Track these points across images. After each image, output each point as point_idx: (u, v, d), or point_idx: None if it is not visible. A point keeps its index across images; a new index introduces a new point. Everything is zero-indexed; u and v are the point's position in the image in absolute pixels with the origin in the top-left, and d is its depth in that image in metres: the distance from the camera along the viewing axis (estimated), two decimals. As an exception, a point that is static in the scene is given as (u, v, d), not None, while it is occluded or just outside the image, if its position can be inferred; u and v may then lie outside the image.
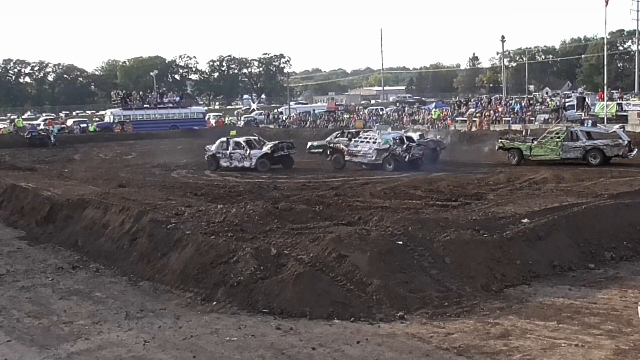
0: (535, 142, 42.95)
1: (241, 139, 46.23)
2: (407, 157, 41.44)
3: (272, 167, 44.49)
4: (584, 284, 17.31)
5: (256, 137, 47.30)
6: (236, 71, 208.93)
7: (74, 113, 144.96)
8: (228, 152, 45.72)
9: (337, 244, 17.58)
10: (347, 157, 43.85)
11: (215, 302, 16.60)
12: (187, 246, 19.38)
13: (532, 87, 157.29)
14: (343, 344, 13.57)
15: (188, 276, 18.23)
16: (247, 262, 17.28)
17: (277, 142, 46.45)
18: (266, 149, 44.79)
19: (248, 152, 44.85)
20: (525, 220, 20.38)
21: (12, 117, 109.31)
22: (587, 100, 73.34)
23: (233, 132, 49.75)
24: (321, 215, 22.51)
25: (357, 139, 44.55)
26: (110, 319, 16.03)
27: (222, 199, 29.42)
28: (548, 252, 19.11)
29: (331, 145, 45.31)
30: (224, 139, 46.98)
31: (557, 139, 41.98)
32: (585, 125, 46.47)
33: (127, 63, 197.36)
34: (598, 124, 49.73)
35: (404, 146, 41.88)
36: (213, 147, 46.81)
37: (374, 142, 42.76)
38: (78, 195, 27.86)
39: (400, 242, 17.99)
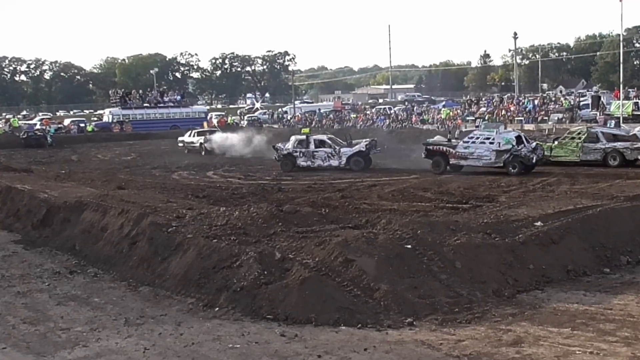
0: (556, 143, 42.57)
1: (325, 137, 46.16)
2: (534, 158, 39.02)
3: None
4: (599, 289, 17.30)
5: (332, 136, 47.18)
6: (239, 69, 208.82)
7: (72, 112, 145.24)
8: (310, 150, 45.12)
9: (343, 247, 17.59)
10: (453, 160, 40.76)
11: (217, 308, 16.62)
12: (188, 250, 19.41)
13: (545, 85, 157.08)
14: (350, 351, 13.57)
15: (189, 281, 18.26)
16: (250, 266, 17.30)
17: (369, 139, 46.04)
18: (360, 146, 44.41)
19: (338, 150, 44.48)
20: (539, 223, 20.39)
21: (7, 116, 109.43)
22: (602, 99, 73.25)
23: (306, 130, 49.11)
24: (327, 218, 22.50)
25: (466, 139, 41.35)
26: (109, 325, 16.05)
27: (224, 202, 29.47)
28: (562, 256, 19.11)
29: (430, 146, 42.18)
30: (301, 136, 46.34)
31: (578, 140, 41.49)
32: (608, 125, 45.57)
33: (127, 61, 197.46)
34: (620, 125, 49.06)
35: (532, 145, 39.74)
36: (288, 145, 46.07)
37: (491, 143, 39.67)
38: (75, 198, 27.90)
39: (409, 246, 17.99)
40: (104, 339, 15.00)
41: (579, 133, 42.36)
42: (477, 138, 40.61)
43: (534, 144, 40.14)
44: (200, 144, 63.88)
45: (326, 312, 15.41)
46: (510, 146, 38.88)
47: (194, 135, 66.98)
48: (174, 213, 23.43)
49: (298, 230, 20.45)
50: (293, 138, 46.58)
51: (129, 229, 22.49)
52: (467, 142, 40.72)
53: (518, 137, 39.81)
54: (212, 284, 17.62)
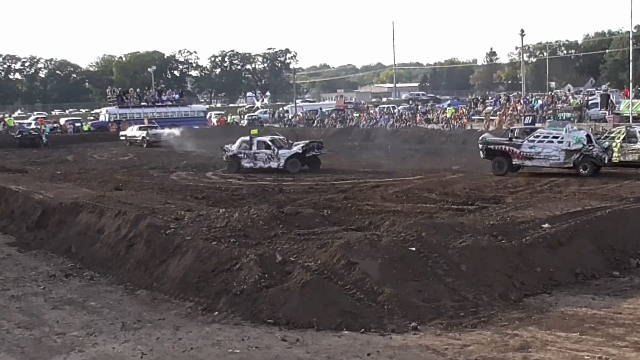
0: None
1: (266, 138, 46.10)
2: (606, 158, 37.69)
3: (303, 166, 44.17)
4: (608, 293, 17.31)
5: (281, 137, 47.35)
6: (239, 67, 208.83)
7: (67, 111, 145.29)
8: (252, 152, 45.27)
9: (346, 250, 17.60)
10: (516, 161, 39.21)
11: (216, 312, 16.63)
12: (187, 253, 19.43)
13: (553, 84, 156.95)
14: (353, 356, 13.59)
15: (188, 284, 18.27)
16: (250, 269, 17.31)
17: (308, 141, 46.17)
18: (297, 148, 44.45)
19: (276, 151, 44.54)
20: (546, 225, 20.38)
21: (1, 115, 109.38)
22: (611, 98, 73.10)
23: (254, 131, 49.15)
24: (329, 220, 22.51)
25: (532, 138, 39.37)
26: (105, 330, 16.07)
27: (224, 203, 29.50)
28: (570, 259, 19.11)
29: (491, 145, 40.53)
30: (246, 138, 46.47)
31: (617, 140, 40.34)
32: None
33: (124, 58, 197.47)
34: None
35: (605, 145, 38.28)
36: (233, 147, 46.38)
37: (560, 142, 38.05)
38: (71, 199, 27.92)
39: (413, 249, 17.99)
40: (101, 344, 15.01)
41: (619, 132, 41.36)
42: (545, 137, 39.06)
43: (606, 143, 38.89)
44: (142, 137, 75.10)
45: (328, 316, 15.42)
46: (581, 145, 37.66)
47: (136, 130, 78.03)
48: (172, 215, 23.45)
49: (299, 232, 20.45)
50: (239, 140, 46.80)
51: (126, 231, 22.51)
52: (533, 141, 39.08)
53: (588, 136, 38.63)
54: (211, 287, 17.64)
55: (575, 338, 13.89)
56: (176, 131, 76.56)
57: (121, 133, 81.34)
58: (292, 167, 43.66)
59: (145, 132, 75.88)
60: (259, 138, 46.01)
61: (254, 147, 45.26)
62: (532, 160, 38.86)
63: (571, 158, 37.57)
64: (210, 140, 66.63)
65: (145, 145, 73.18)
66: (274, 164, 44.32)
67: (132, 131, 78.69)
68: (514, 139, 39.97)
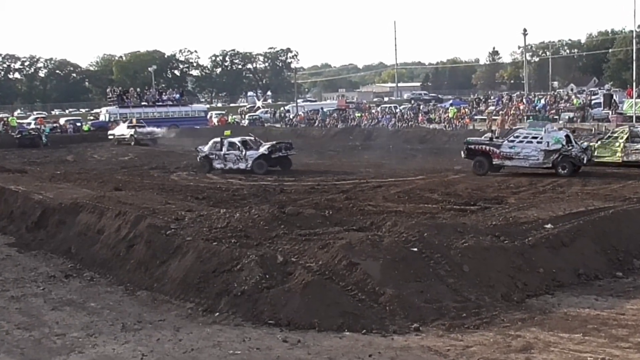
0: (599, 143, 41.65)
1: (236, 139, 46.19)
2: (585, 158, 38.13)
3: (270, 169, 44.30)
4: (611, 294, 17.30)
5: (252, 138, 47.36)
6: (240, 66, 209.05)
7: (67, 111, 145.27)
8: (222, 153, 45.67)
9: (347, 250, 17.60)
10: (496, 161, 39.65)
11: (217, 313, 16.64)
12: (187, 253, 19.43)
13: (556, 83, 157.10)
14: (354, 357, 13.59)
15: (189, 285, 18.27)
16: (251, 270, 17.31)
17: (274, 142, 46.37)
18: (263, 149, 44.64)
19: (244, 153, 44.77)
20: (549, 225, 20.38)
21: (2, 115, 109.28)
22: (614, 97, 73.11)
23: (227, 132, 49.42)
24: (331, 221, 22.53)
25: (512, 138, 40.21)
26: (105, 331, 16.06)
27: (225, 203, 29.51)
28: (573, 259, 19.11)
29: (472, 145, 41.09)
30: (218, 139, 46.88)
31: (621, 140, 40.55)
32: None
33: (124, 58, 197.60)
34: None
35: (583, 145, 38.87)
36: (206, 148, 46.90)
37: (539, 142, 38.58)
38: (71, 199, 27.92)
39: (415, 249, 17.99)
40: (101, 345, 15.01)
41: (622, 132, 41.51)
42: (525, 137, 39.54)
43: (585, 144, 39.43)
44: (130, 135, 76.74)
45: (330, 317, 15.42)
46: (560, 146, 38.09)
47: (124, 129, 79.65)
48: (173, 215, 23.45)
49: (301, 233, 20.44)
50: (211, 141, 47.17)
51: (127, 231, 22.51)
52: (513, 141, 39.64)
53: (567, 137, 39.03)
54: (212, 288, 17.64)
55: (578, 339, 13.89)
56: (163, 130, 78.83)
57: (109, 132, 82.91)
58: (258, 168, 43.94)
59: (132, 130, 77.59)
60: (229, 139, 46.31)
61: (224, 149, 45.62)
62: (511, 160, 39.34)
63: (550, 158, 38.09)
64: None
65: (133, 144, 74.82)
66: (242, 165, 44.63)
67: (120, 130, 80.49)
68: (494, 139, 40.53)
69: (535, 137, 38.86)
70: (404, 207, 27.57)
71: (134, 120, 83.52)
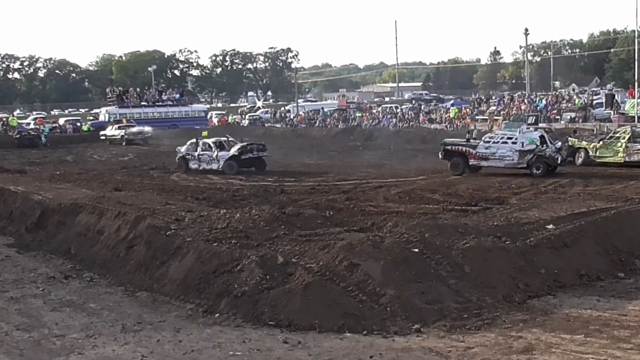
0: (601, 143, 41.75)
1: (210, 140, 46.80)
2: (559, 158, 38.57)
3: (244, 169, 44.76)
4: (613, 295, 17.30)
5: (227, 139, 47.68)
6: (240, 66, 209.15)
7: (67, 111, 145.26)
8: (197, 153, 46.28)
9: (348, 251, 17.60)
10: (472, 161, 40.06)
11: (217, 314, 16.64)
12: (187, 254, 19.43)
13: (557, 83, 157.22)
14: (355, 358, 13.59)
15: (189, 286, 18.28)
16: (252, 271, 17.31)
17: (245, 143, 46.56)
18: (233, 151, 45.20)
19: (216, 154, 45.38)
20: (551, 226, 20.37)
21: (2, 115, 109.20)
22: (616, 97, 73.00)
23: (205, 133, 50.16)
24: (331, 221, 22.53)
25: (487, 138, 40.71)
26: (105, 332, 16.06)
27: (225, 204, 29.51)
28: (575, 260, 19.10)
29: (448, 146, 41.60)
30: (194, 140, 47.45)
31: (623, 140, 40.64)
32: None
33: (124, 58, 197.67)
34: None
35: (557, 145, 39.04)
36: (183, 149, 47.61)
37: (514, 142, 38.99)
38: (71, 200, 27.95)
39: (416, 250, 17.99)
40: (100, 346, 15.01)
41: (624, 132, 41.61)
42: (500, 138, 39.96)
43: (559, 143, 39.62)
44: (121, 136, 78.19)
45: (330, 318, 15.42)
46: (534, 146, 38.43)
47: (115, 129, 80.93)
48: (173, 215, 23.47)
49: (301, 234, 20.45)
50: (189, 142, 47.79)
51: (126, 232, 22.53)
52: (489, 142, 40.11)
53: (542, 137, 39.12)
54: (212, 289, 17.64)
55: (580, 340, 13.88)
56: (150, 129, 79.91)
57: (101, 132, 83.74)
58: (228, 169, 44.41)
59: (123, 131, 78.98)
60: (204, 140, 46.94)
61: (199, 149, 46.20)
62: (487, 160, 39.82)
63: (525, 158, 38.45)
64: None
65: (124, 144, 76.11)
66: (214, 166, 45.21)
67: (111, 130, 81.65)
68: (472, 140, 41.02)
69: (510, 138, 39.33)
70: (405, 208, 27.57)
71: (124, 120, 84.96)
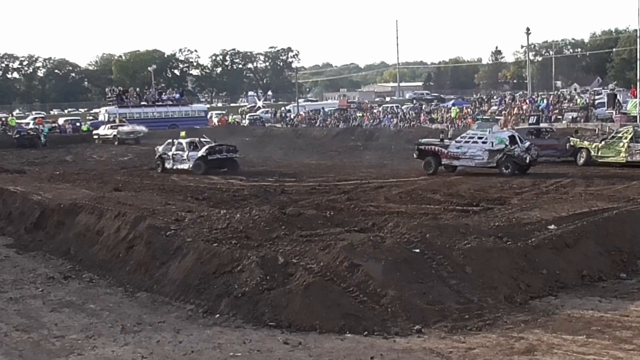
0: (603, 143, 41.86)
1: (184, 140, 47.65)
2: (528, 158, 39.22)
3: (217, 170, 45.43)
4: (615, 295, 17.28)
5: (199, 139, 48.63)
6: (240, 66, 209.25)
7: (66, 111, 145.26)
8: (171, 153, 47.27)
9: (349, 252, 17.59)
10: (445, 161, 41.21)
11: (218, 315, 16.63)
12: (187, 254, 19.43)
13: (559, 83, 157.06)
14: (356, 359, 13.58)
15: (189, 287, 18.27)
16: (252, 271, 17.30)
17: (214, 144, 47.34)
18: (202, 151, 45.89)
19: (187, 154, 46.23)
20: (552, 226, 20.36)
21: (1, 115, 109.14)
22: (618, 97, 72.93)
23: (182, 134, 51.33)
24: (332, 221, 22.52)
25: (459, 139, 41.97)
26: (105, 332, 16.06)
27: (225, 204, 29.50)
28: (576, 260, 19.09)
29: (422, 146, 42.89)
30: (171, 140, 48.66)
31: (625, 140, 40.73)
32: None
33: (123, 57, 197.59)
34: None
35: (526, 145, 39.87)
36: (160, 148, 48.75)
37: (484, 142, 40.05)
38: (70, 200, 27.96)
39: (417, 250, 17.99)
40: (100, 347, 15.00)
41: (626, 132, 41.70)
42: (471, 138, 41.11)
43: (527, 143, 40.29)
44: (114, 135, 79.18)
45: (331, 319, 15.42)
46: (504, 146, 39.32)
47: (108, 128, 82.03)
48: (173, 216, 23.48)
49: (302, 234, 20.44)
50: (166, 141, 48.95)
51: (126, 232, 22.52)
52: (460, 141, 41.31)
53: (512, 137, 40.16)
54: (212, 289, 17.64)
55: (581, 341, 13.87)
56: (144, 128, 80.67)
57: (94, 132, 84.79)
58: (196, 169, 45.32)
59: (115, 130, 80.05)
60: (178, 140, 47.86)
61: (174, 149, 47.16)
62: (459, 160, 40.94)
63: (494, 158, 39.48)
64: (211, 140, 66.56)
65: (116, 143, 77.17)
66: (185, 166, 46.09)
67: (104, 130, 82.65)
68: (445, 140, 42.34)
69: (481, 138, 40.46)
70: (405, 208, 27.56)
71: (117, 120, 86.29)
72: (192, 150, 46.28)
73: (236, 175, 42.75)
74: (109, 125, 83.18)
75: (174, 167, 46.44)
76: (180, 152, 46.63)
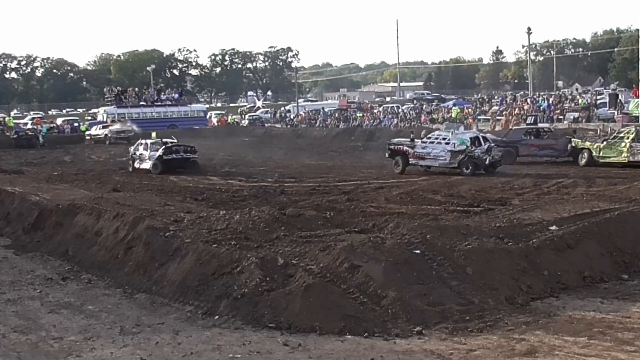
0: (605, 143, 41.93)
1: (149, 141, 49.08)
2: (487, 159, 40.31)
3: (177, 170, 46.19)
4: (617, 297, 17.27)
5: (161, 139, 49.87)
6: (240, 66, 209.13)
7: (64, 111, 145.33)
8: (138, 153, 48.68)
9: (349, 253, 17.58)
10: (412, 160, 42.54)
11: (217, 316, 16.61)
12: (186, 255, 19.41)
13: (560, 83, 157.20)
14: (356, 361, 13.58)
15: (188, 288, 18.25)
16: (251, 272, 17.29)
17: (170, 145, 48.52)
18: (159, 152, 47.03)
19: (148, 154, 47.46)
20: (554, 227, 20.35)
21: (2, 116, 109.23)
22: (620, 97, 73.02)
23: (153, 134, 53.11)
24: (332, 222, 22.51)
25: (424, 139, 43.34)
26: (103, 334, 16.03)
27: (224, 205, 29.48)
28: (578, 262, 19.07)
29: (392, 146, 44.52)
30: (141, 140, 50.63)
31: (627, 140, 40.78)
32: None
33: (122, 57, 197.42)
34: None
35: (485, 146, 40.76)
36: (131, 148, 50.48)
37: (447, 143, 41.26)
38: (69, 200, 27.94)
39: (418, 251, 17.98)
40: (99, 349, 14.98)
41: (628, 132, 41.79)
42: (436, 138, 42.49)
43: (487, 145, 41.06)
44: (105, 135, 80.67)
45: (331, 321, 15.40)
46: (465, 147, 40.42)
47: (99, 128, 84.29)
48: (172, 217, 23.48)
49: (302, 235, 20.43)
50: (137, 142, 50.60)
51: (125, 233, 22.51)
52: (425, 142, 42.70)
53: (475, 138, 41.48)
54: (211, 290, 17.62)
55: (583, 343, 13.86)
56: (135, 127, 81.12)
57: (86, 132, 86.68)
58: (153, 169, 46.62)
59: (107, 130, 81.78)
60: (144, 140, 49.62)
61: (140, 148, 48.59)
62: (424, 160, 42.29)
63: (457, 158, 40.66)
64: (211, 140, 66.62)
65: (108, 143, 78.36)
66: (146, 165, 47.34)
67: (96, 130, 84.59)
68: (415, 140, 43.77)
69: (444, 139, 41.76)
70: (406, 209, 27.55)
71: (109, 120, 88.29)
72: (153, 150, 47.36)
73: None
74: (100, 125, 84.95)
75: (139, 167, 47.78)
76: (144, 152, 47.95)
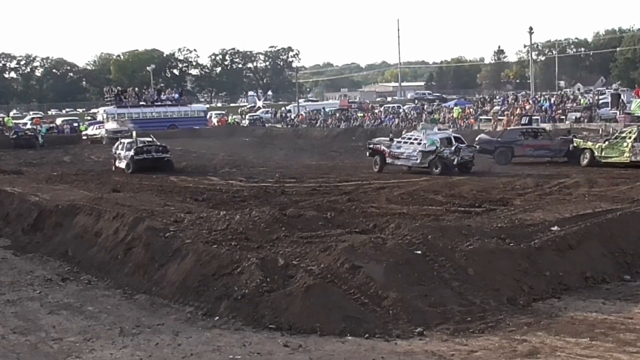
0: (607, 143, 42.01)
1: (126, 140, 50.56)
2: (455, 159, 41.32)
3: (150, 169, 47.04)
4: (619, 298, 17.27)
5: (135, 139, 50.60)
6: (240, 66, 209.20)
7: (64, 111, 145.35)
8: (118, 152, 49.96)
9: (350, 253, 17.58)
10: (388, 160, 43.92)
11: (217, 317, 16.61)
12: (186, 256, 19.40)
13: (562, 83, 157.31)
14: (356, 362, 13.58)
15: (188, 289, 18.25)
16: (252, 273, 17.29)
17: (141, 145, 49.44)
18: (132, 151, 48.10)
19: (124, 153, 48.99)
20: (555, 227, 20.35)
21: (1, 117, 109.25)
22: (622, 97, 73.01)
23: (134, 133, 54.28)
24: (333, 223, 22.47)
25: (400, 139, 44.74)
26: (103, 335, 16.04)
27: (225, 205, 29.46)
28: (580, 262, 19.07)
29: (372, 145, 45.95)
30: (121, 139, 52.31)
31: (629, 140, 40.80)
32: None
33: (122, 57, 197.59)
34: None
35: (453, 148, 41.62)
36: (114, 147, 51.75)
37: (419, 143, 42.53)
38: (68, 201, 27.95)
39: (419, 252, 17.97)
40: (98, 350, 14.98)
41: (630, 132, 41.76)
42: (409, 139, 44.02)
43: (456, 145, 41.89)
44: (101, 135, 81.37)
45: (332, 322, 15.40)
46: (435, 147, 41.62)
47: (96, 128, 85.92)
48: (172, 217, 23.44)
49: (302, 235, 20.41)
50: (119, 141, 52.08)
51: (125, 233, 22.50)
52: (400, 142, 44.22)
53: (447, 139, 42.58)
54: (211, 291, 17.62)
55: (585, 344, 13.86)
56: (132, 126, 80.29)
57: (83, 133, 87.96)
58: (127, 168, 48.00)
59: (103, 130, 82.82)
60: (124, 140, 51.41)
61: (120, 147, 50.13)
62: (399, 159, 43.78)
63: (427, 159, 42.08)
64: (211, 140, 66.59)
65: (104, 142, 77.43)
66: (123, 164, 48.72)
67: (92, 130, 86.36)
68: (394, 140, 44.96)
69: (417, 139, 43.22)
70: (407, 209, 27.54)
71: (105, 120, 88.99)
72: (128, 150, 48.43)
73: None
74: (96, 125, 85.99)
75: (118, 165, 49.33)
76: (121, 152, 49.12)
